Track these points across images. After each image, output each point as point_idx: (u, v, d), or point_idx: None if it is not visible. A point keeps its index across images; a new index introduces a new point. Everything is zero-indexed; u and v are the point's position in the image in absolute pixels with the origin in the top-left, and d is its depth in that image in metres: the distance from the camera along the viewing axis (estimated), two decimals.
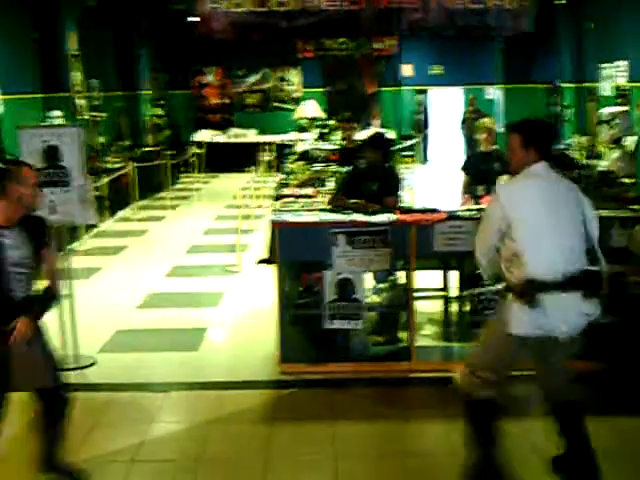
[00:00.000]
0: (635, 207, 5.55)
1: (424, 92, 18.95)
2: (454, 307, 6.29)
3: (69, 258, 5.90)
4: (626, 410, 4.81)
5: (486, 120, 7.15)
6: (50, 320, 6.15)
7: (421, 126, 18.69)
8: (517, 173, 3.80)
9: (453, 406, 4.74)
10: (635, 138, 9.37)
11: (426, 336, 6.04)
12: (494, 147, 6.81)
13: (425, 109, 18.83)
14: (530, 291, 3.55)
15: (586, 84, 13.57)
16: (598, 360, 5.24)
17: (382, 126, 18.79)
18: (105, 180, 11.26)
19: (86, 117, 12.71)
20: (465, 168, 7.05)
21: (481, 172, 6.64)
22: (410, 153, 18.73)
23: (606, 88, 12.28)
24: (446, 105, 19.14)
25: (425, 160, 18.53)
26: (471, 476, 3.71)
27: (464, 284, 6.09)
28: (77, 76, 12.71)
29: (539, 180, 3.70)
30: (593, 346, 5.38)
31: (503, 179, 6.22)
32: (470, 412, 3.74)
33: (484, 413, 3.71)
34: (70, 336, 5.83)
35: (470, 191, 6.66)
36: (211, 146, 17.96)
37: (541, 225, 3.60)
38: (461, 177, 7.01)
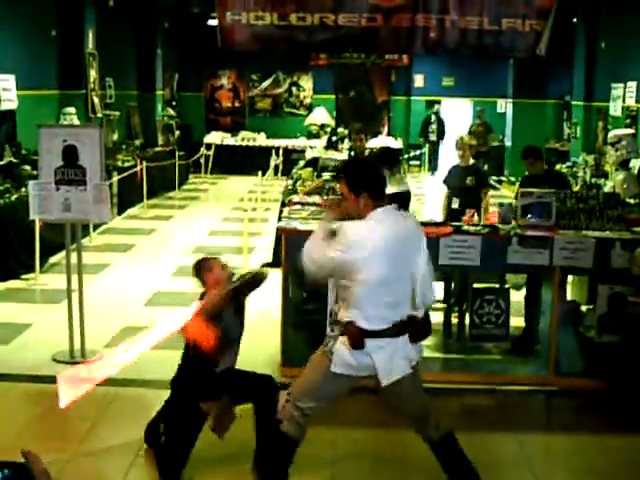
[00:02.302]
0: (637, 229, 5.65)
1: (435, 103, 19.00)
2: (454, 319, 6.40)
3: (79, 253, 6.02)
4: (628, 428, 4.89)
5: (464, 137, 7.50)
6: (59, 314, 6.30)
7: (432, 136, 18.73)
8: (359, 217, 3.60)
9: (452, 416, 4.84)
10: None
11: (426, 347, 6.11)
12: (471, 162, 7.28)
13: (440, 119, 18.86)
14: (356, 334, 3.50)
15: (596, 103, 13.65)
16: (600, 378, 5.37)
17: (389, 134, 18.94)
18: (116, 178, 11.39)
19: (100, 115, 12.84)
20: (445, 181, 7.43)
21: (457, 186, 7.14)
22: (417, 163, 18.87)
23: (616, 108, 12.36)
24: (456, 117, 19.23)
25: (435, 170, 18.60)
26: None
27: (465, 297, 6.20)
28: (92, 74, 12.85)
29: (383, 225, 3.54)
30: (595, 364, 5.51)
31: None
32: (275, 440, 3.78)
33: (284, 446, 3.73)
34: (77, 330, 5.94)
35: (449, 203, 7.14)
36: (220, 148, 18.08)
37: (382, 275, 3.47)
38: (442, 189, 7.41)
